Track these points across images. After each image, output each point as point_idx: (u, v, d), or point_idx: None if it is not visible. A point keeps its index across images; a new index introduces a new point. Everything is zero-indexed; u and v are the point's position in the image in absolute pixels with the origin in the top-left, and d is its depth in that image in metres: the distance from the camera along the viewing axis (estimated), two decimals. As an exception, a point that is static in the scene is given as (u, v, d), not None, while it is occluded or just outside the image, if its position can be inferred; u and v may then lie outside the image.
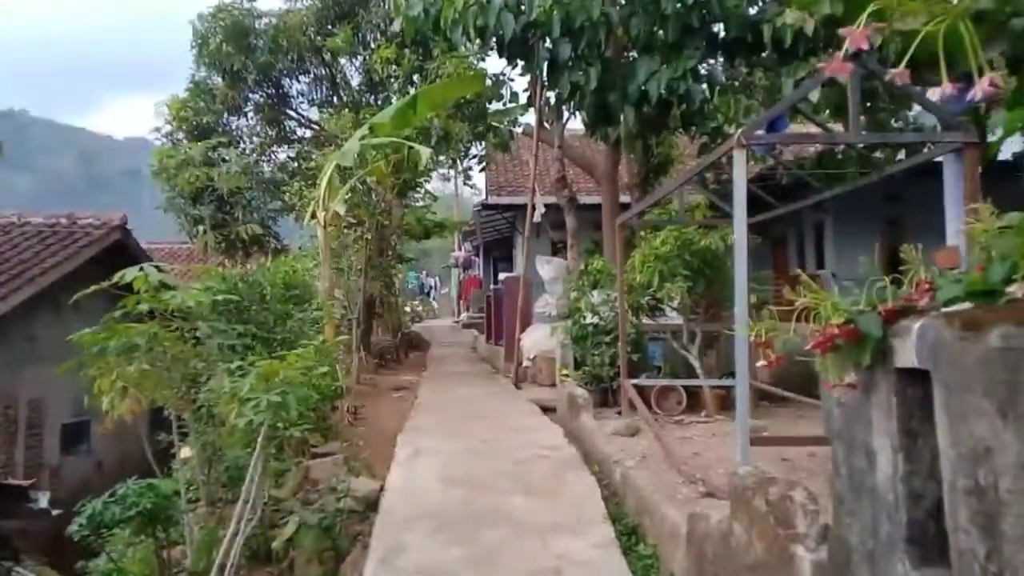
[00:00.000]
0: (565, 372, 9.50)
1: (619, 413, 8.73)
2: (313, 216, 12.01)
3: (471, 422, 8.42)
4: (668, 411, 8.69)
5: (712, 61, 9.44)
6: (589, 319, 9.33)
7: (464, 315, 32.94)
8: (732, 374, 9.66)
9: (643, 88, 8.58)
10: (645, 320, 9.24)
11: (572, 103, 9.32)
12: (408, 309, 36.10)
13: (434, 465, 6.40)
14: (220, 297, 6.06)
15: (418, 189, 18.15)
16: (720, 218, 8.18)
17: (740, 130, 4.10)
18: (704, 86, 8.80)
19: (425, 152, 10.09)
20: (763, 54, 9.03)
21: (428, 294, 52.01)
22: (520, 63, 10.16)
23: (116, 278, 4.78)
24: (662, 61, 8.56)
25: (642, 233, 8.94)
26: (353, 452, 7.37)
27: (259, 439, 4.39)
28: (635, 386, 8.43)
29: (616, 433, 7.27)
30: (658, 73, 8.47)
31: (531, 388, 12.01)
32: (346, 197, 13.73)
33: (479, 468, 6.30)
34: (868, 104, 8.36)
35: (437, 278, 55.01)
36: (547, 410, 9.93)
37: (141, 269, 4.94)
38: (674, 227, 8.26)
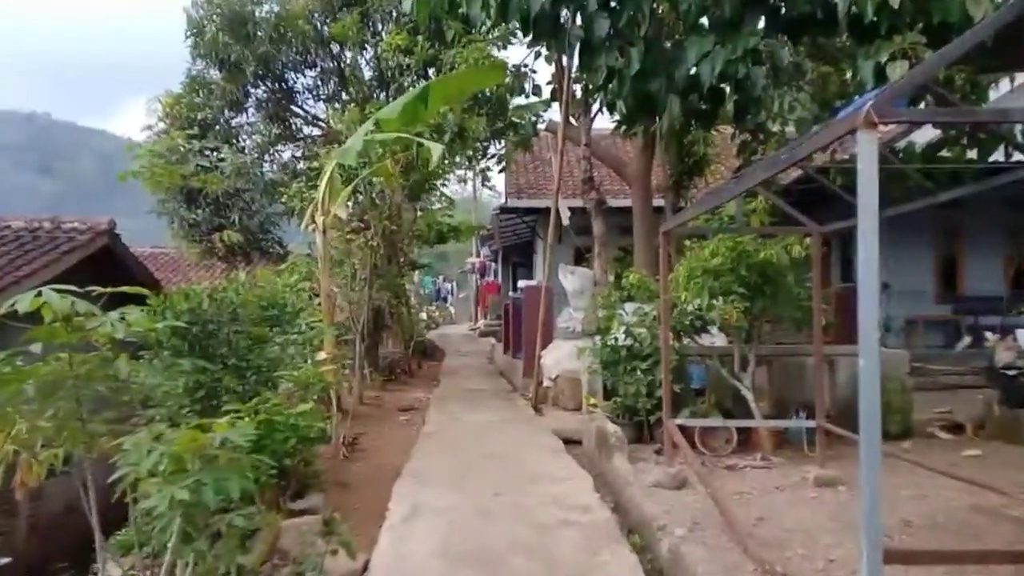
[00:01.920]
0: (593, 402, 8.23)
1: (658, 452, 7.46)
2: (312, 220, 10.85)
3: (483, 463, 7.14)
4: (716, 451, 7.42)
5: (773, 41, 8.14)
6: (622, 340, 8.06)
7: (481, 322, 31.71)
8: (793, 408, 8.42)
9: (693, 73, 7.30)
10: (687, 342, 7.96)
11: (606, 92, 8.02)
12: (424, 315, 35.05)
13: (434, 532, 5.13)
14: (168, 324, 4.84)
15: (432, 191, 16.94)
16: (782, 225, 6.90)
17: (868, 104, 2.83)
18: (765, 70, 7.48)
19: (437, 149, 8.85)
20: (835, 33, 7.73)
21: (445, 299, 50.95)
22: (546, 45, 8.91)
23: (4, 307, 3.57)
24: (716, 41, 7.27)
25: (687, 242, 7.65)
26: (340, 503, 6.14)
27: (171, 538, 3.16)
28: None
29: (658, 484, 5.99)
30: (711, 55, 7.17)
31: (552, 412, 10.75)
32: (349, 200, 12.61)
33: (490, 538, 5.03)
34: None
35: (455, 283, 53.93)
36: (571, 442, 8.68)
37: (39, 294, 3.69)
38: (726, 236, 6.98)
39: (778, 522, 5.20)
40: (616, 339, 8.09)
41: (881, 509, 5.49)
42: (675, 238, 14.38)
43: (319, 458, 7.97)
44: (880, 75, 7.08)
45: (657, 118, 11.17)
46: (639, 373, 7.71)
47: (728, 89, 7.89)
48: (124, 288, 3.95)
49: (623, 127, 14.59)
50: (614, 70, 7.72)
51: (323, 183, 10.91)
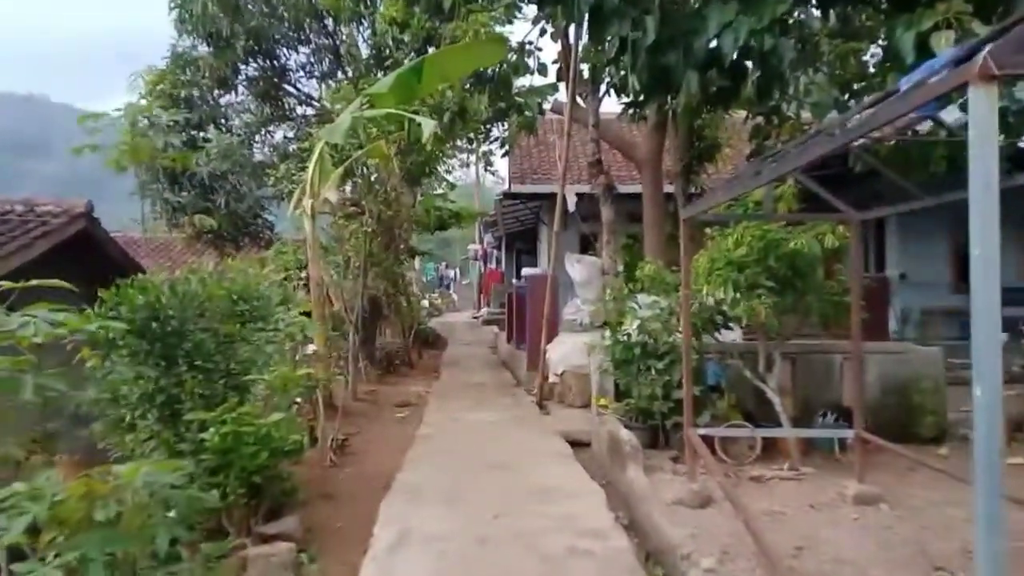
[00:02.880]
0: (604, 402, 7.55)
1: (675, 460, 6.79)
2: (300, 204, 10.15)
3: (482, 475, 6.44)
4: (738, 458, 6.74)
5: (804, 9, 7.39)
6: (635, 336, 7.36)
7: (484, 310, 31.07)
8: (819, 410, 7.74)
9: (714, 44, 6.55)
10: (705, 339, 7.27)
11: (618, 66, 7.30)
12: (426, 303, 34.39)
13: (423, 566, 4.43)
14: (104, 325, 4.15)
15: (431, 175, 16.21)
16: (815, 212, 6.19)
17: (985, 50, 2.13)
18: (794, 42, 6.73)
19: (428, 125, 8.15)
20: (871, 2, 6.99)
21: (448, 286, 50.33)
22: (552, 15, 8.17)
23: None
24: (739, 9, 6.52)
25: (708, 230, 6.94)
26: (321, 522, 5.48)
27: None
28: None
29: (680, 502, 5.31)
30: (734, 24, 6.42)
31: (558, 410, 10.08)
32: (341, 183, 11.89)
33: (489, 573, 4.35)
34: None
35: (457, 269, 53.30)
36: (579, 444, 8.02)
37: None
38: (752, 224, 6.27)
39: (820, 550, 4.52)
40: (629, 335, 7.39)
41: (936, 533, 4.84)
42: (692, 226, 13.78)
43: (303, 464, 7.36)
44: (921, 48, 6.37)
45: (670, 98, 10.52)
46: (654, 373, 7.02)
47: (751, 64, 7.17)
48: (36, 282, 3.25)
49: (634, 108, 13.88)
50: (627, 41, 6.97)
51: (312, 164, 10.22)
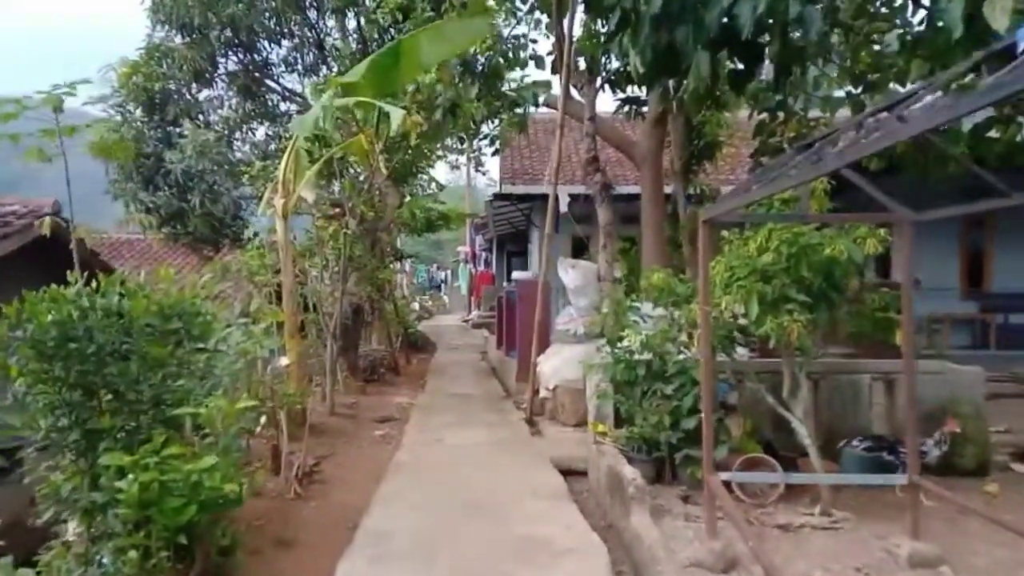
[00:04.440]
0: (602, 429, 6.68)
1: (686, 499, 5.94)
2: (271, 204, 9.29)
3: (463, 520, 5.45)
4: (757, 496, 5.89)
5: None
6: (639, 354, 6.51)
7: (475, 313, 30.18)
8: (845, 439, 6.89)
9: (729, 16, 5.70)
10: (720, 357, 6.41)
11: (619, 44, 6.42)
12: (416, 305, 33.53)
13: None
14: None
15: (418, 174, 15.35)
16: (843, 212, 5.34)
17: None
18: (822, 10, 5.87)
19: (396, 114, 7.31)
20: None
21: (439, 288, 49.52)
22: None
23: None
24: (758, -27, 5.67)
25: (724, 233, 6.08)
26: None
27: None
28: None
29: (699, 564, 4.45)
30: (752, -8, 5.58)
31: (550, 429, 9.23)
32: (320, 181, 11.02)
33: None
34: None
35: (449, 271, 52.43)
36: (573, 472, 7.17)
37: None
38: (779, 226, 5.42)
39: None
40: (631, 352, 6.53)
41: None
42: (687, 228, 12.95)
43: (263, 497, 6.49)
44: (970, 21, 5.55)
45: (673, 86, 9.68)
46: (661, 397, 6.15)
47: (770, 40, 6.32)
48: None
49: (631, 104, 13.10)
50: (629, 14, 6.15)
51: (284, 161, 9.36)
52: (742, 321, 5.69)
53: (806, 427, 5.80)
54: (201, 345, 4.72)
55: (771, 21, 5.73)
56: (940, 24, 6.84)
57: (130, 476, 3.88)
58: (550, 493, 6.20)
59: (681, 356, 6.28)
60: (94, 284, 4.62)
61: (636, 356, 6.52)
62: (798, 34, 6.33)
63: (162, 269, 4.71)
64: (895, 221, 4.59)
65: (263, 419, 7.07)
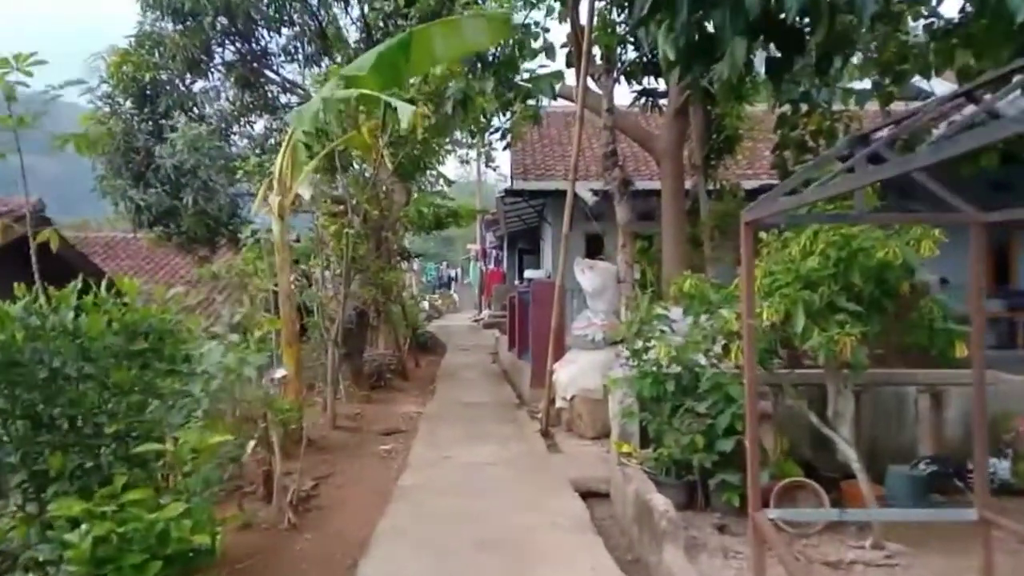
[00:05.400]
0: (627, 449, 6.07)
1: (721, 529, 5.34)
2: (266, 202, 8.70)
3: (473, 563, 4.91)
4: (800, 526, 5.29)
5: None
6: (667, 366, 5.89)
7: (486, 312, 29.57)
8: (890, 457, 6.24)
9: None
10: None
11: (647, 31, 5.81)
12: (426, 304, 32.96)
13: None
14: None
15: (426, 170, 14.75)
16: (896, 212, 4.70)
17: None
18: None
19: (406, 111, 6.71)
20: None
21: (448, 285, 48.96)
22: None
23: None
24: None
25: (762, 235, 5.45)
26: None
27: None
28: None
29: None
30: (805, -32, 4.94)
31: (567, 443, 8.65)
32: (320, 177, 10.45)
33: None
34: None
35: (459, 269, 51.82)
36: (595, 494, 6.58)
37: None
38: (826, 227, 4.79)
39: None
40: (659, 365, 5.91)
41: None
42: (708, 225, 12.30)
43: (253, 530, 5.93)
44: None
45: (699, 78, 9.06)
46: (693, 416, 5.53)
47: (813, 26, 5.70)
48: None
49: (648, 96, 12.46)
50: (660, -2, 5.54)
51: (281, 156, 8.78)
52: (787, 335, 5.07)
53: (855, 450, 5.18)
54: (174, 367, 4.13)
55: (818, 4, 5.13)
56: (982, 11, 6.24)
57: (83, 527, 3.31)
58: (571, 524, 5.58)
59: (714, 370, 5.66)
60: (83, 292, 4.06)
61: (664, 369, 5.90)
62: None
63: (159, 288, 4.12)
64: (964, 222, 3.95)
65: (252, 441, 6.50)
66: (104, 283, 4.14)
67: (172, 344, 4.16)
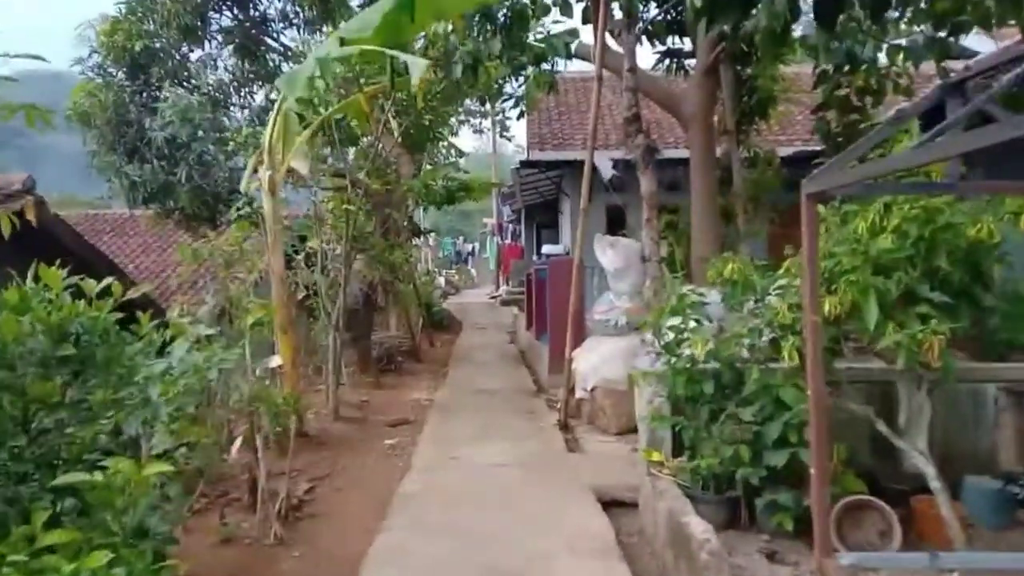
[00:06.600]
0: (657, 457, 5.28)
1: (771, 557, 4.54)
2: (256, 175, 7.94)
3: None
4: (863, 549, 4.49)
5: None
6: (704, 362, 5.07)
7: (503, 289, 28.77)
8: (962, 465, 5.36)
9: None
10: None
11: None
12: (441, 280, 32.24)
13: None
14: None
15: (436, 140, 13.91)
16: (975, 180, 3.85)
17: None
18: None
19: (419, 65, 5.88)
20: None
21: (466, 261, 48.23)
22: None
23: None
24: None
25: (821, 208, 4.60)
26: None
27: None
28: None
29: None
30: None
31: (588, 439, 7.90)
32: (315, 148, 9.64)
33: None
34: None
35: (476, 243, 50.99)
36: (619, 504, 5.83)
37: None
38: (902, 199, 3.95)
39: None
40: (694, 360, 5.09)
41: None
42: (742, 196, 11.40)
43: (234, 544, 5.24)
44: None
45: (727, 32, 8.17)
46: (737, 423, 4.73)
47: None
48: None
49: (672, 57, 11.51)
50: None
51: (270, 126, 7.99)
52: (846, 327, 4.25)
53: (933, 465, 4.36)
54: (111, 373, 3.38)
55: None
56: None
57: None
58: (593, 547, 4.81)
59: (761, 368, 4.82)
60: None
61: (700, 364, 5.09)
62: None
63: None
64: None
65: (238, 441, 5.79)
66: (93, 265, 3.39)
67: (109, 348, 3.40)
